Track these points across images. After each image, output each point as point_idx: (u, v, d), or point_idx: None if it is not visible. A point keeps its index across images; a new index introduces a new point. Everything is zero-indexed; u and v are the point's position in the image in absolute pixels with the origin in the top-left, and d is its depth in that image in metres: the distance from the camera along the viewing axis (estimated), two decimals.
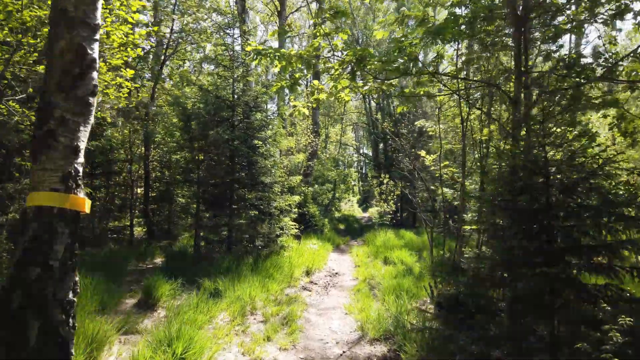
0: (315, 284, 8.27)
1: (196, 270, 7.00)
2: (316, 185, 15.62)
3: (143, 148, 11.38)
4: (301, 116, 4.15)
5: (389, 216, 13.27)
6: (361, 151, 37.89)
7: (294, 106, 4.73)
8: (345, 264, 10.59)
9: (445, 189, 12.63)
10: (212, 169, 8.62)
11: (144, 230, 11.93)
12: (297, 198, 9.35)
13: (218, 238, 8.64)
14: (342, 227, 22.99)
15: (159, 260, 8.87)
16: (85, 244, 7.79)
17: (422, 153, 7.57)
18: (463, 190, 6.24)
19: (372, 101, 24.19)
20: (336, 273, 9.44)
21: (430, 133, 13.55)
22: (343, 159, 30.95)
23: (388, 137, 22.32)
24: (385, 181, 13.57)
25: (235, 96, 8.73)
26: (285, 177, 10.31)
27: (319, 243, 11.80)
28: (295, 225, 9.34)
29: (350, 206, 37.14)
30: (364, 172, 39.58)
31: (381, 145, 23.36)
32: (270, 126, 8.82)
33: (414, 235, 14.75)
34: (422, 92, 5.62)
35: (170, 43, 10.98)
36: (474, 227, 5.49)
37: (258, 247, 8.04)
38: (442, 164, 7.30)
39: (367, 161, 41.53)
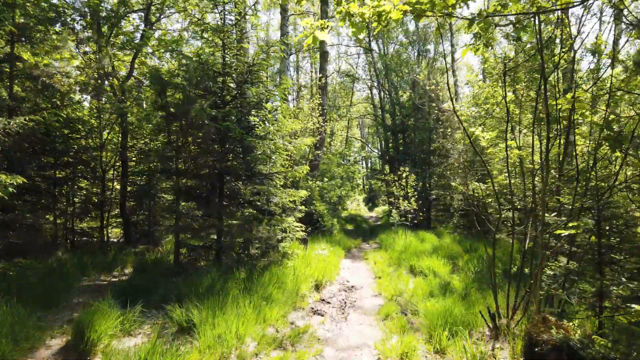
0: (328, 303, 6.40)
1: (169, 288, 5.16)
2: (325, 179, 13.72)
3: (121, 135, 9.54)
4: (315, 45, 2.73)
5: (410, 216, 11.40)
6: (367, 148, 35.98)
7: (305, 36, 2.85)
8: (362, 273, 8.72)
9: (476, 183, 10.73)
10: (197, 156, 6.77)
11: (123, 232, 10.09)
12: (303, 193, 7.48)
13: (203, 244, 6.79)
14: (350, 227, 21.10)
15: (130, 271, 7.04)
16: (25, 252, 5.96)
17: (478, 130, 5.64)
18: (546, 180, 4.35)
19: (381, 91, 22.25)
20: (352, 286, 7.58)
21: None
22: (349, 154, 29.04)
23: (399, 128, 20.41)
24: (404, 175, 11.67)
25: (227, 66, 6.87)
26: (290, 166, 8.44)
27: (328, 247, 9.94)
28: (301, 226, 7.48)
29: (356, 205, 35.28)
30: (370, 167, 37.67)
31: (391, 140, 21.43)
32: (270, 101, 6.96)
33: (434, 238, 12.86)
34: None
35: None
36: (571, 232, 3.67)
37: (254, 256, 6.17)
38: (508, 140, 5.36)
39: (372, 159, 39.61)
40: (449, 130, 19.71)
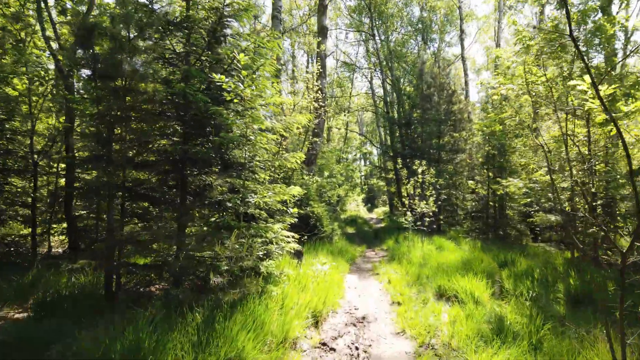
0: (332, 350, 4.37)
1: (64, 352, 3.09)
2: (325, 174, 11.69)
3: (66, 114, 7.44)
4: None
5: (428, 219, 9.38)
6: (367, 145, 34.03)
7: None
8: (373, 294, 6.69)
9: (512, 179, 8.78)
10: (143, 137, 4.71)
11: (67, 240, 8.02)
12: (297, 191, 5.45)
13: (154, 262, 4.74)
14: (351, 230, 19.09)
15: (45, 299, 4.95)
16: None
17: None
18: None
19: (385, 81, 20.27)
20: (363, 317, 5.54)
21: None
22: (348, 152, 27.04)
23: (405, 121, 18.40)
24: (420, 170, 9.63)
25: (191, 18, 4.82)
26: (278, 152, 6.43)
27: (329, 259, 7.90)
28: (293, 236, 5.43)
29: (355, 206, 33.31)
30: (369, 165, 35.75)
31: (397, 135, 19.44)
32: (250, 61, 4.91)
33: (452, 245, 10.87)
34: None
35: None
36: None
37: (219, 286, 4.11)
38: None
39: (371, 159, 37.70)
40: (463, 121, 17.76)
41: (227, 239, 4.29)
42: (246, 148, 4.65)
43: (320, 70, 11.78)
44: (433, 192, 9.47)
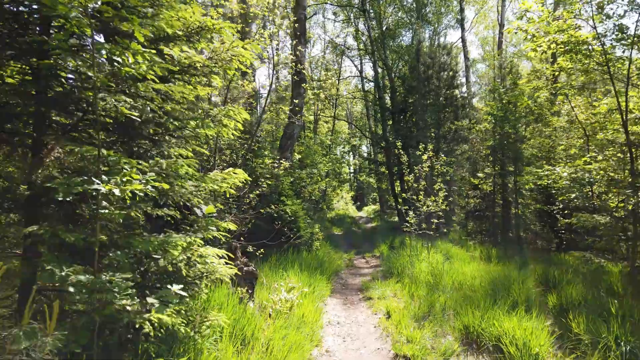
0: None
1: None
2: (306, 165, 9.40)
3: None
4: None
5: (435, 221, 7.10)
6: (357, 135, 31.89)
7: None
8: (365, 337, 4.40)
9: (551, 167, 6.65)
10: None
11: None
12: (239, 178, 3.12)
13: None
14: (338, 232, 16.79)
15: None
16: None
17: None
18: None
19: (376, 64, 18.01)
20: None
21: None
22: (337, 143, 24.70)
23: (400, 107, 16.14)
24: (425, 156, 7.26)
25: None
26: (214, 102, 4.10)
27: (303, 279, 5.58)
28: (224, 260, 3.06)
29: (344, 204, 31.08)
30: (357, 160, 33.62)
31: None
32: None
33: (463, 253, 8.72)
34: None
35: None
36: None
37: None
38: None
39: (361, 152, 35.62)
40: (466, 107, 15.64)
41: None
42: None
43: (299, 34, 9.42)
44: (442, 185, 7.22)
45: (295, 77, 9.05)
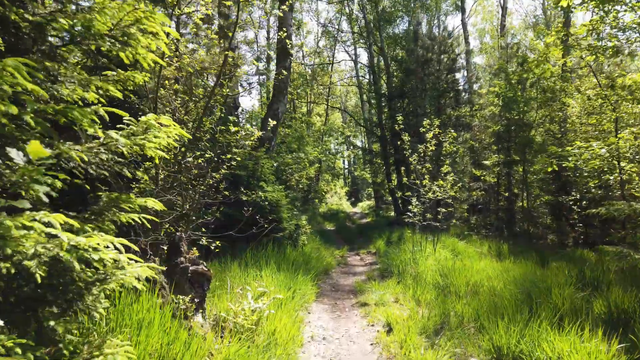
0: None
1: None
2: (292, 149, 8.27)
3: None
4: None
5: (443, 210, 5.93)
6: (349, 131, 30.81)
7: None
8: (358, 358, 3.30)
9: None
10: None
11: None
12: (170, 133, 1.96)
13: None
14: (330, 226, 15.66)
15: None
16: None
17: None
18: None
19: (371, 47, 16.83)
20: None
21: None
22: (330, 138, 23.52)
23: (397, 92, 14.98)
24: (431, 134, 6.02)
25: None
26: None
27: (279, 280, 4.44)
28: (152, 260, 1.92)
29: (338, 199, 29.99)
30: (351, 152, 32.59)
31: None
32: None
33: (471, 249, 7.66)
34: None
35: None
36: None
37: None
38: None
39: (355, 142, 34.62)
40: (468, 93, 14.55)
41: None
42: None
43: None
44: (450, 169, 6.07)
45: (278, 45, 7.86)
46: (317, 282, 5.76)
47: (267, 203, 5.90)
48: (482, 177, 12.43)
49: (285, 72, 8.13)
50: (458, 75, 14.19)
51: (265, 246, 5.71)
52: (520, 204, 11.96)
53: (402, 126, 7.08)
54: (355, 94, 30.53)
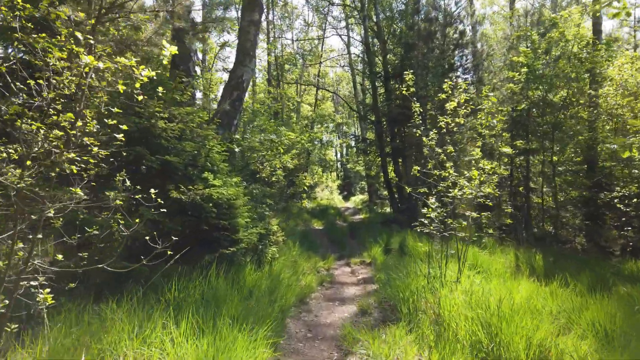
0: None
1: None
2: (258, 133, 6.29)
3: None
4: None
5: (475, 215, 4.07)
6: (340, 118, 28.89)
7: None
8: None
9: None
10: None
11: None
12: None
13: None
14: (318, 225, 13.69)
15: None
16: None
17: None
18: None
19: (366, 21, 14.79)
20: None
21: None
22: (321, 128, 21.46)
23: (395, 71, 13.00)
24: (456, 101, 4.05)
25: None
26: None
27: (199, 356, 2.52)
28: None
29: (329, 193, 28.03)
30: (343, 142, 30.74)
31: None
32: None
33: (484, 255, 5.83)
34: None
35: None
36: None
37: None
38: None
39: (349, 129, 32.69)
40: (479, 70, 12.59)
41: None
42: None
43: None
44: (481, 154, 4.11)
45: None
46: (285, 322, 3.83)
47: (211, 204, 3.92)
48: (494, 169, 10.55)
49: (253, 27, 6.09)
50: (467, 51, 12.20)
51: (205, 270, 3.74)
52: (539, 200, 10.15)
53: (412, 89, 5.05)
54: (348, 83, 28.45)
